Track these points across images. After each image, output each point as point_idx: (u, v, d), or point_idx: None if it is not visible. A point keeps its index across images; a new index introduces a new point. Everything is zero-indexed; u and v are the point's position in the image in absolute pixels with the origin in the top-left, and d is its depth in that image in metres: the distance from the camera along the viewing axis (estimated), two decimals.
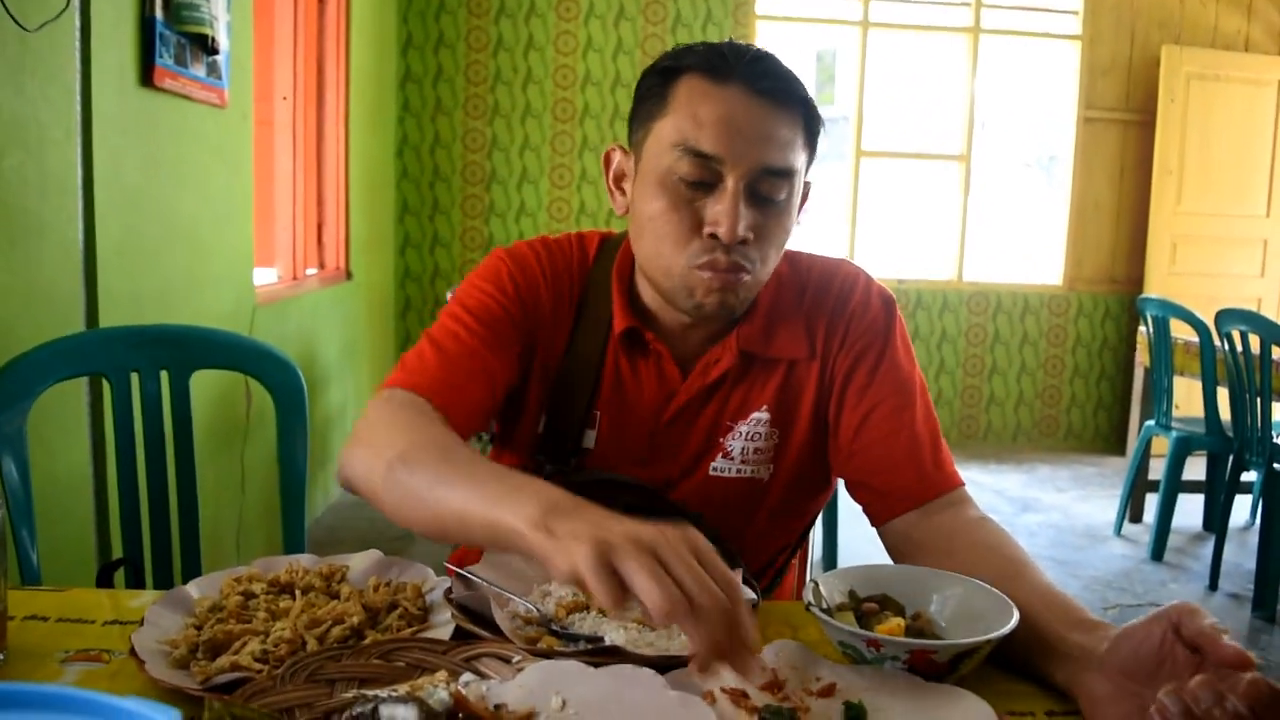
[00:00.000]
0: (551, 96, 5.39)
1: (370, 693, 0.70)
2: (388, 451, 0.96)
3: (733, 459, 1.21)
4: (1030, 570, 0.99)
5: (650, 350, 1.20)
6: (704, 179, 1.08)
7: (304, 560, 1.03)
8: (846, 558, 3.22)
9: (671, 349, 1.20)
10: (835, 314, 1.22)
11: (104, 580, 1.56)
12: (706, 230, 1.08)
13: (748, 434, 1.21)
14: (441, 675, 0.74)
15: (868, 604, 0.94)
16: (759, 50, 1.12)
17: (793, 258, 1.25)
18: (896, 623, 0.90)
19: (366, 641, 0.86)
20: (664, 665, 0.81)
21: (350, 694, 0.72)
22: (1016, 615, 0.87)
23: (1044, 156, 5.95)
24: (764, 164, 1.07)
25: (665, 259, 1.11)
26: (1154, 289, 5.43)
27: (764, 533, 1.26)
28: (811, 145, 1.14)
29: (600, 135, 5.43)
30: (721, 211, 1.07)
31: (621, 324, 1.19)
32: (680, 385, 1.20)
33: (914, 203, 6.12)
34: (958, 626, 0.92)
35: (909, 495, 1.15)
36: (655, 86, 1.12)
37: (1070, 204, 5.80)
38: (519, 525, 0.78)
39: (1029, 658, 0.90)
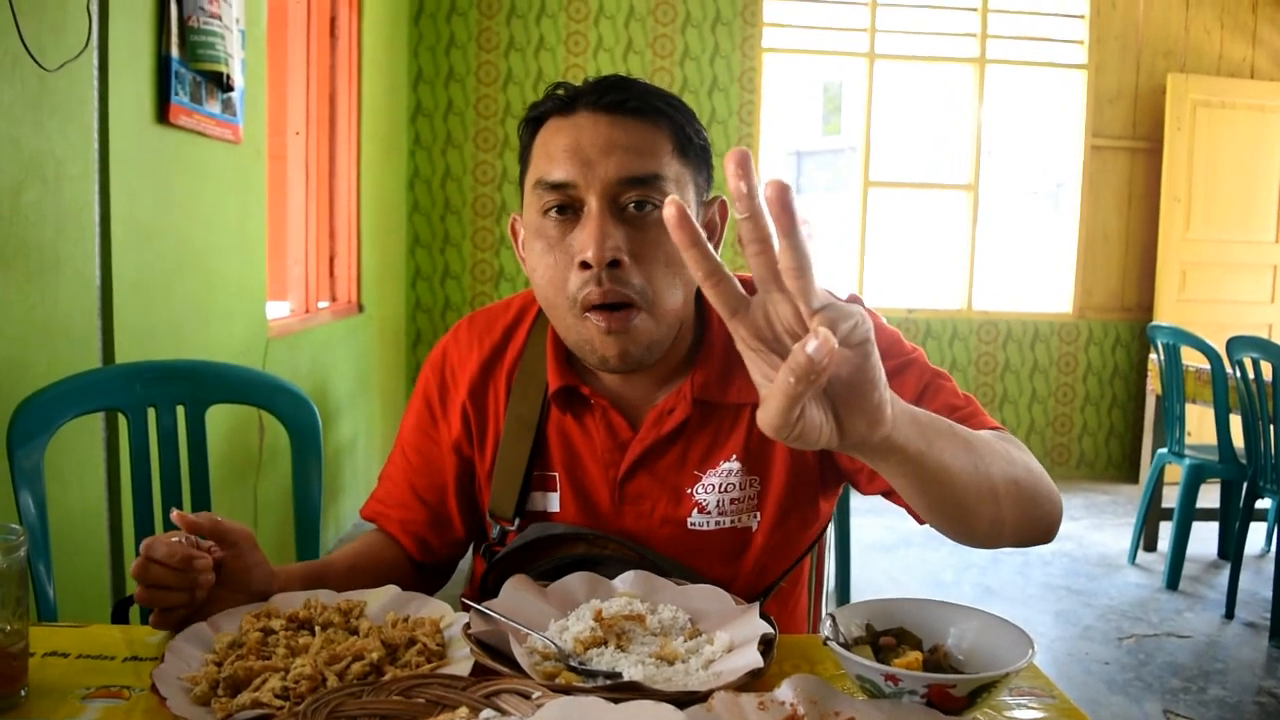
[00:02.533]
0: None
1: None
2: None
3: (709, 513, 1.16)
4: (980, 441, 0.89)
5: (592, 405, 1.17)
6: (566, 210, 1.06)
7: (322, 596, 1.04)
8: (860, 589, 3.21)
9: (614, 400, 1.17)
10: None
11: (118, 616, 1.57)
12: (577, 259, 1.04)
13: (720, 485, 1.16)
14: (462, 713, 0.75)
15: (885, 638, 0.94)
16: (612, 75, 1.11)
17: (753, 290, 1.20)
18: (914, 656, 0.90)
19: (386, 678, 0.86)
20: (683, 701, 0.81)
21: None
22: (1034, 649, 0.87)
23: (1051, 185, 5.96)
24: (620, 174, 1.04)
25: (557, 308, 1.08)
26: (1164, 316, 5.43)
27: (754, 576, 1.20)
28: (688, 156, 1.09)
29: None
30: (585, 236, 1.03)
31: (556, 383, 1.16)
32: (632, 436, 1.16)
33: (922, 233, 6.14)
34: (975, 659, 0.92)
35: None
36: (523, 141, 1.13)
37: (1079, 232, 5.81)
38: None
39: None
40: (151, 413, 1.63)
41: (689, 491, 1.16)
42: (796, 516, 1.20)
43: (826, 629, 0.92)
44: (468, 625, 0.95)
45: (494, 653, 0.91)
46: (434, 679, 0.82)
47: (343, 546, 1.27)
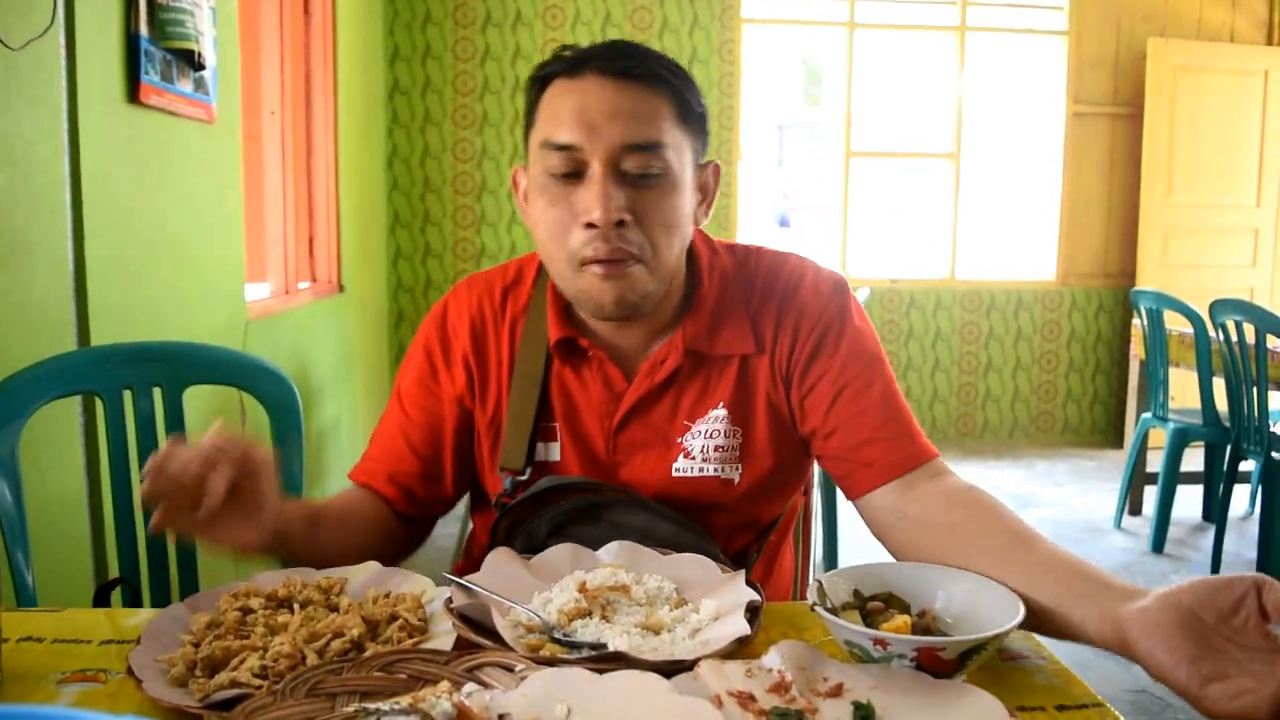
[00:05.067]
0: None
1: (372, 706, 0.69)
2: None
3: (693, 458, 1.20)
4: (1041, 535, 0.99)
5: (589, 356, 1.21)
6: (571, 170, 1.09)
7: (302, 573, 1.02)
8: (848, 556, 3.21)
9: (611, 352, 1.21)
10: (784, 307, 1.21)
11: (101, 600, 1.55)
12: (581, 219, 1.09)
13: (707, 432, 1.20)
14: (444, 686, 0.73)
15: (873, 603, 0.94)
16: (618, 41, 1.14)
17: (740, 255, 1.26)
18: (902, 620, 0.89)
19: (367, 654, 0.85)
20: (669, 670, 0.80)
21: (351, 708, 0.71)
22: (1023, 610, 0.87)
23: (1033, 152, 5.95)
24: (624, 140, 1.08)
25: (557, 261, 1.13)
26: (1146, 281, 5.44)
27: (732, 529, 1.25)
28: (688, 122, 1.14)
29: None
30: (590, 197, 1.08)
31: (555, 334, 1.20)
32: (627, 387, 1.20)
33: (905, 202, 6.12)
34: (964, 622, 0.91)
35: (892, 465, 1.14)
36: (530, 99, 1.17)
37: (1061, 199, 5.81)
38: None
39: (1055, 608, 0.90)
40: (128, 395, 1.60)
41: (679, 441, 1.20)
42: (777, 472, 1.23)
43: (813, 595, 0.91)
44: (449, 599, 0.94)
45: (477, 626, 0.90)
46: (415, 654, 0.81)
47: (329, 497, 1.27)
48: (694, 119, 1.15)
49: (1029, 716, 0.82)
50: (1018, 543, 0.97)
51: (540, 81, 1.15)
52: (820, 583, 0.93)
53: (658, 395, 1.20)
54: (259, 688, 0.80)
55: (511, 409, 1.22)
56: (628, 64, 1.10)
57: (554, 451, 1.22)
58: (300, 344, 3.84)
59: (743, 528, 1.26)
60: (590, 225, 1.08)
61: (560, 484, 1.17)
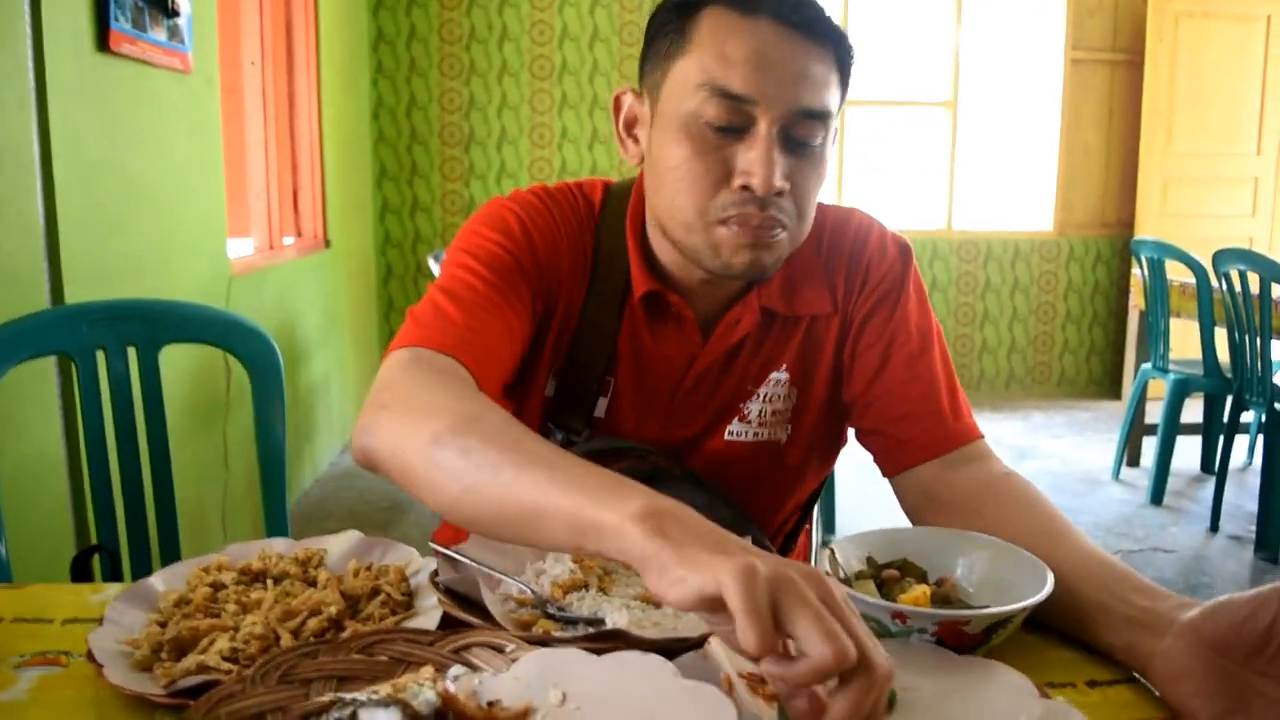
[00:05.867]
0: (528, 53, 5.26)
1: (349, 695, 0.63)
2: (429, 423, 0.80)
3: (749, 422, 1.14)
4: (1074, 530, 0.93)
5: (672, 314, 1.10)
6: (733, 123, 0.96)
7: (278, 545, 0.96)
8: (846, 518, 3.17)
9: (694, 311, 1.11)
10: (853, 264, 1.14)
11: (79, 571, 1.49)
12: (737, 181, 0.97)
13: (766, 395, 1.14)
14: (427, 672, 0.67)
15: (888, 571, 0.88)
16: None
17: None
18: (921, 591, 0.83)
19: (346, 634, 0.79)
20: (672, 649, 0.74)
21: (327, 696, 0.65)
22: (1051, 579, 0.81)
23: (1032, 100, 5.84)
24: (800, 105, 0.96)
25: (688, 213, 1.00)
26: (1145, 231, 5.36)
27: (777, 496, 1.20)
28: (845, 84, 1.02)
29: (579, 92, 5.31)
30: (755, 160, 0.95)
31: (643, 286, 1.09)
32: (701, 349, 1.11)
33: (901, 151, 6.02)
34: (986, 592, 0.86)
35: (928, 445, 1.08)
36: (672, 22, 1.00)
37: (1059, 148, 5.72)
38: (623, 524, 0.65)
39: (1079, 621, 0.84)
40: (101, 355, 1.53)
41: (740, 405, 1.14)
42: (823, 434, 1.18)
43: (825, 563, 0.85)
44: (435, 572, 0.87)
45: (465, 602, 0.84)
46: (397, 634, 0.75)
47: (482, 407, 0.84)
48: (848, 81, 1.03)
49: (1058, 694, 0.77)
50: (1043, 540, 0.90)
51: (691, 6, 0.99)
52: (831, 550, 0.87)
53: (729, 359, 1.12)
54: (228, 672, 0.73)
55: (579, 363, 1.11)
56: (810, 15, 0.97)
57: (601, 407, 1.12)
58: (286, 300, 3.76)
59: (786, 498, 1.21)
60: (746, 189, 0.96)
61: (615, 447, 1.08)
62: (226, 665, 0.74)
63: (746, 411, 1.14)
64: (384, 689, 0.64)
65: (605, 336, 1.11)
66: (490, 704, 0.67)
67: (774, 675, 0.57)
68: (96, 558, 1.54)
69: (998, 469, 1.07)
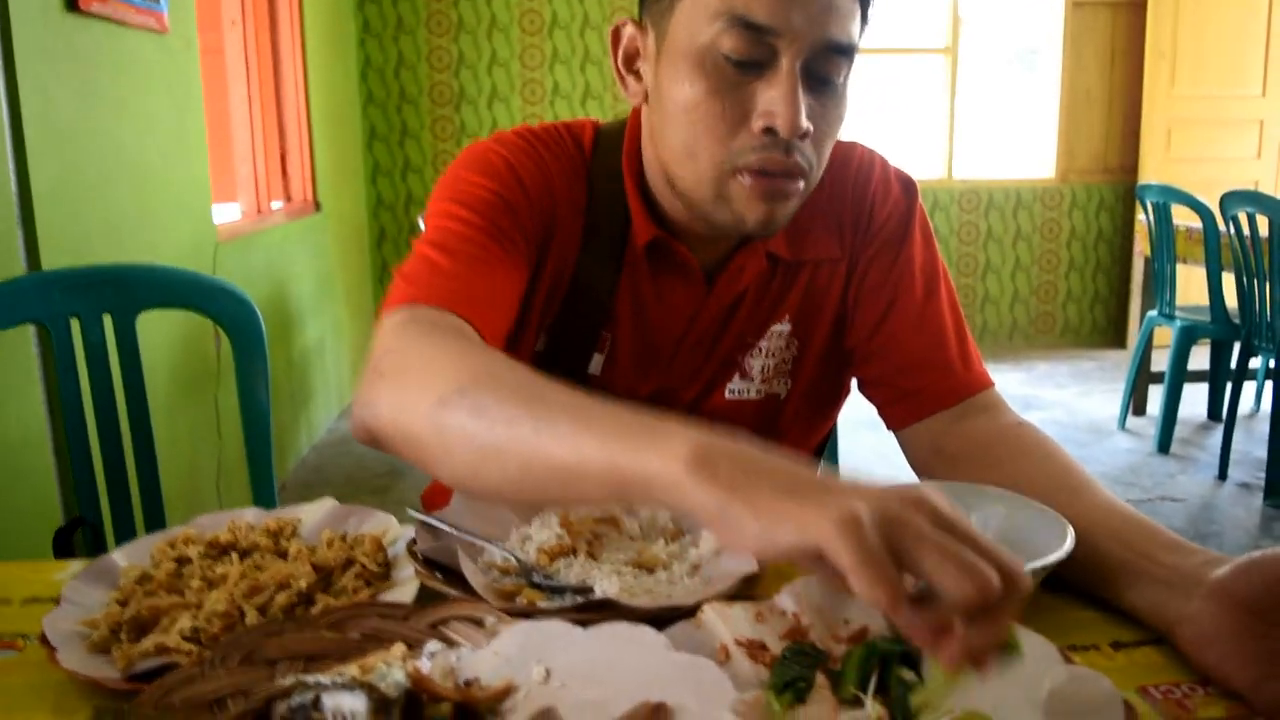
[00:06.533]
0: (518, 8, 5.15)
1: (312, 678, 0.58)
2: (433, 385, 0.72)
3: (751, 378, 1.08)
4: (1093, 482, 0.87)
5: (677, 263, 1.03)
6: (754, 57, 0.86)
7: (249, 515, 0.90)
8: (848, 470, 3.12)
9: (699, 257, 1.03)
10: (858, 203, 1.07)
11: (62, 546, 1.44)
12: (759, 123, 0.87)
13: (768, 350, 1.08)
14: (398, 650, 0.62)
15: None
16: None
17: None
18: None
19: (316, 609, 0.74)
20: (666, 618, 0.69)
21: (290, 679, 0.60)
22: (1072, 535, 0.75)
23: (1032, 46, 5.73)
24: (827, 38, 0.86)
25: (697, 159, 0.91)
26: (1149, 176, 5.28)
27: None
28: (865, 18, 0.93)
29: (571, 47, 5.21)
30: (778, 98, 0.86)
31: (645, 235, 1.01)
32: (704, 301, 1.04)
33: (900, 100, 5.92)
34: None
35: (938, 396, 1.03)
36: None
37: (1061, 93, 5.62)
38: (672, 474, 0.57)
39: (1101, 579, 0.78)
40: (75, 324, 1.48)
41: (740, 360, 1.08)
42: (824, 386, 1.13)
43: None
44: (413, 540, 0.82)
45: (446, 572, 0.79)
46: (370, 608, 0.70)
47: (490, 360, 0.77)
48: (868, 14, 0.93)
49: (1082, 658, 0.72)
50: (1061, 493, 0.84)
51: None
52: None
53: (731, 311, 1.06)
54: (188, 654, 0.68)
55: (572, 311, 1.03)
56: None
57: (595, 364, 1.05)
58: (276, 266, 3.70)
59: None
60: (768, 131, 0.87)
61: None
62: (188, 646, 0.69)
63: (749, 367, 1.08)
64: (350, 670, 0.59)
65: (603, 288, 1.03)
66: (467, 683, 0.62)
67: (913, 626, 0.51)
68: (79, 532, 1.50)
69: (1010, 419, 1.01)
